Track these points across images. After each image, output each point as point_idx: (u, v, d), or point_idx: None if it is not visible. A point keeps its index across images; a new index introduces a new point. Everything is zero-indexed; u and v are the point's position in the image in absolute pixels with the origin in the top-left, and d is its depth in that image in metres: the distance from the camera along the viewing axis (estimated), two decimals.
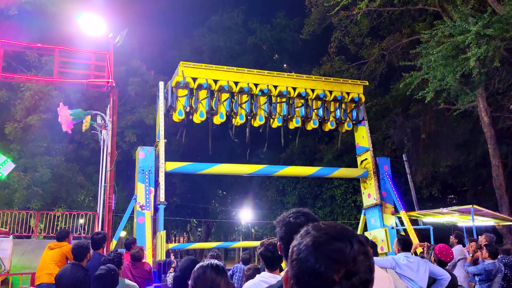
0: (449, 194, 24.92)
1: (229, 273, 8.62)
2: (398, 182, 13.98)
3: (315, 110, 13.23)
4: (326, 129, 13.88)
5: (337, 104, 13.47)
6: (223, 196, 33.55)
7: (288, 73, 13.22)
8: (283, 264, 3.37)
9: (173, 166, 12.12)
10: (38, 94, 19.35)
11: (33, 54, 19.45)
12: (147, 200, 10.99)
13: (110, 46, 9.11)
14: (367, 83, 14.08)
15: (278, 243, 2.33)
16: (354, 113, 13.70)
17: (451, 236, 8.74)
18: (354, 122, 13.81)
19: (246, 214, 29.67)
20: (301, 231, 1.19)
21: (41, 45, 8.74)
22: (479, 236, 8.61)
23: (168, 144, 12.52)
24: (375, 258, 4.42)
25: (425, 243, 7.88)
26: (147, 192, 11.12)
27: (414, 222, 14.18)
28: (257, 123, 12.77)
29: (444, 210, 11.74)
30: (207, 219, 30.70)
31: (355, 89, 13.67)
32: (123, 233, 22.17)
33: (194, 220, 32.84)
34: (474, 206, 10.71)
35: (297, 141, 14.63)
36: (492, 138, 15.77)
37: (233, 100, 12.35)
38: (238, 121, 12.45)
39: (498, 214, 12.08)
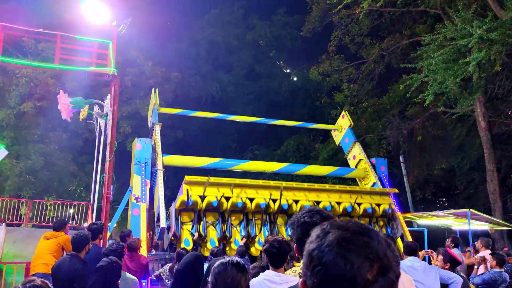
0: (441, 197, 25.02)
1: None
2: (392, 183, 13.96)
3: None
4: None
5: (368, 220, 11.55)
6: None
7: (309, 184, 11.79)
8: (297, 264, 3.29)
9: (171, 161, 11.99)
10: (33, 81, 19.07)
11: (29, 40, 19.12)
12: (143, 192, 10.89)
13: (114, 34, 8.96)
14: (397, 191, 12.27)
15: (295, 245, 2.31)
16: (389, 230, 11.56)
17: (447, 240, 8.63)
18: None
19: None
20: (317, 232, 1.05)
21: (43, 30, 8.58)
22: (475, 242, 8.55)
23: (163, 137, 12.36)
24: None
25: (429, 250, 7.81)
26: (143, 184, 11.02)
27: (408, 223, 14.21)
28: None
29: (440, 213, 11.77)
30: None
31: (386, 200, 11.80)
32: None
33: None
34: (471, 210, 10.74)
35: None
36: (488, 143, 15.84)
37: (249, 221, 10.47)
38: (257, 247, 10.26)
39: (493, 219, 12.14)
